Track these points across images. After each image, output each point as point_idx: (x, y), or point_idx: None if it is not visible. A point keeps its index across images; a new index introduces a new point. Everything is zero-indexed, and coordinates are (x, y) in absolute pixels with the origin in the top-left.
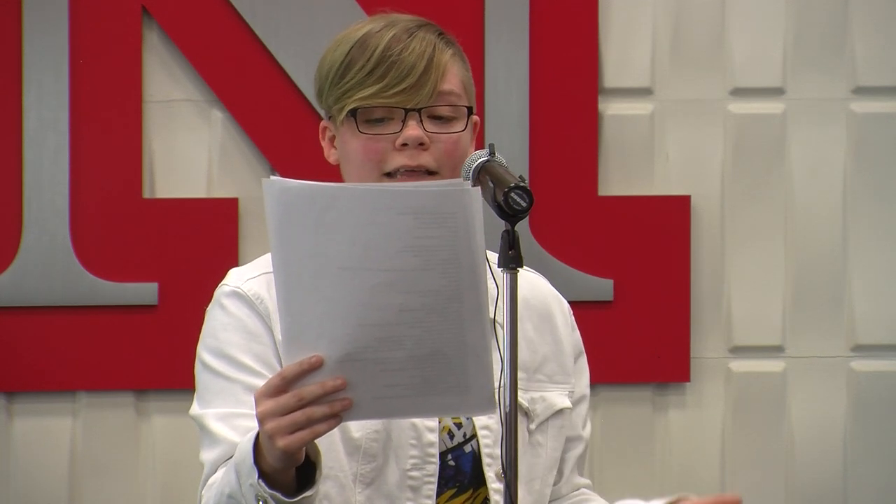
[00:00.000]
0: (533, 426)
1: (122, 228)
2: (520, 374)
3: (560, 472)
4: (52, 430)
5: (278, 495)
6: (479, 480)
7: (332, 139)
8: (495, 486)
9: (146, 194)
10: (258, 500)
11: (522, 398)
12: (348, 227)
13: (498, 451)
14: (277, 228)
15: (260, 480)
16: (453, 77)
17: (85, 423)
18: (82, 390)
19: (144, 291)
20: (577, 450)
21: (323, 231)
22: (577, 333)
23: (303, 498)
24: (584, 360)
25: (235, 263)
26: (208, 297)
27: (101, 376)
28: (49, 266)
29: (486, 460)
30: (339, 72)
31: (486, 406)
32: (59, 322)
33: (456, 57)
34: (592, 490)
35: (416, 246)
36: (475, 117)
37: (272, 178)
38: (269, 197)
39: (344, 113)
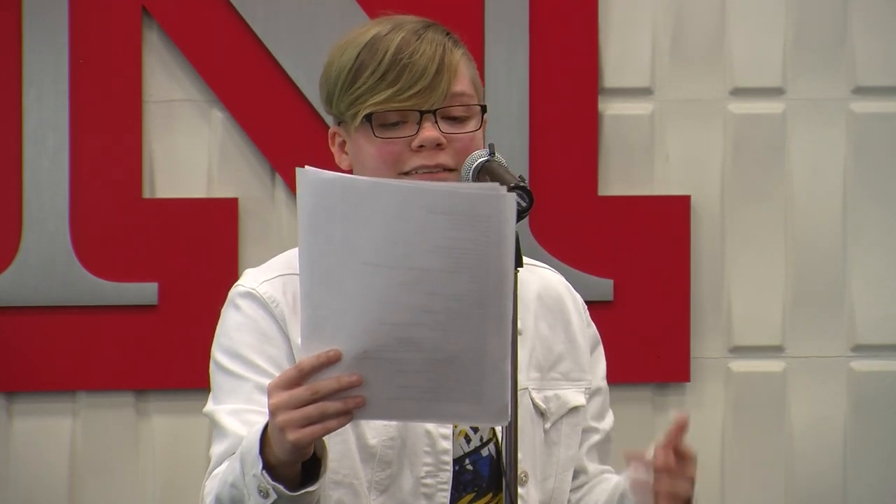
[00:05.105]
0: (548, 425)
1: (122, 228)
2: (534, 374)
3: (580, 464)
4: (52, 430)
5: (280, 488)
6: (499, 484)
7: (343, 144)
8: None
9: (146, 194)
10: (260, 492)
11: (538, 397)
12: (379, 223)
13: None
14: (308, 219)
15: (263, 472)
16: (464, 77)
17: (85, 423)
18: (82, 390)
19: (144, 291)
20: (593, 439)
21: (353, 224)
22: (593, 328)
23: (304, 493)
24: (599, 351)
25: (235, 263)
26: (208, 297)
27: (101, 376)
28: (49, 266)
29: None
30: (349, 77)
31: (498, 418)
32: (59, 322)
33: (465, 57)
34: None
35: (446, 247)
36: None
37: (307, 167)
38: (302, 186)
39: (358, 119)
